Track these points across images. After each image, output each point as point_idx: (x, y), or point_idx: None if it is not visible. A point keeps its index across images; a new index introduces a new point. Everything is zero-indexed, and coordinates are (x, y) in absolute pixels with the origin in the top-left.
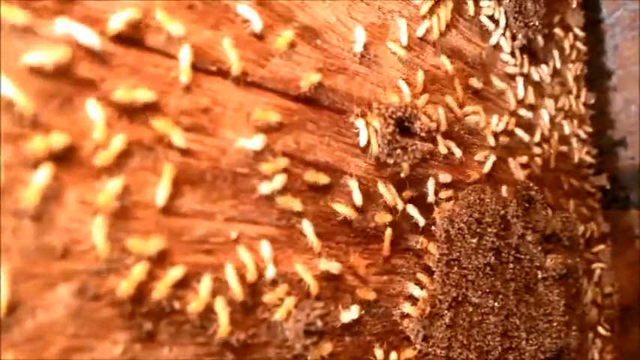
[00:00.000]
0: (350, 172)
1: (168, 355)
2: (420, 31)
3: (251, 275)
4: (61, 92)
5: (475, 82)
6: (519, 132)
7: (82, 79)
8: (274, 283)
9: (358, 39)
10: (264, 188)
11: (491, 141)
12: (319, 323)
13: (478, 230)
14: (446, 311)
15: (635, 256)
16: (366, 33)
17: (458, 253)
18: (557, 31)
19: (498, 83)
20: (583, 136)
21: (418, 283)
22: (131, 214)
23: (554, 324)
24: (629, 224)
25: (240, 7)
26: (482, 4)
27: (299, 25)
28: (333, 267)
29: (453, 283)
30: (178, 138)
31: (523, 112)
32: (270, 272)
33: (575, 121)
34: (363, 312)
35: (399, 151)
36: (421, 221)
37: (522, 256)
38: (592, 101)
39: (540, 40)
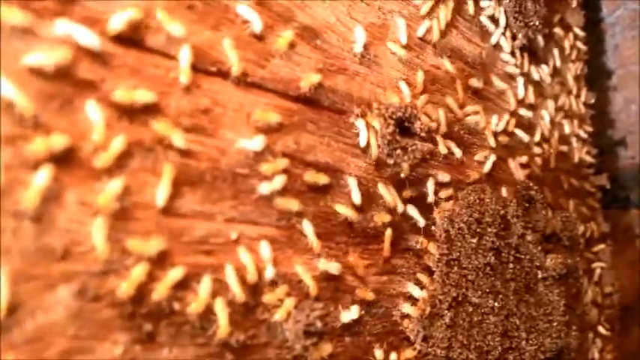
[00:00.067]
0: (350, 173)
1: (168, 355)
2: (420, 31)
3: (251, 276)
4: (61, 93)
5: (475, 82)
6: (519, 132)
7: (82, 80)
8: (274, 283)
9: (358, 39)
10: (264, 189)
11: (491, 141)
12: (319, 324)
13: (478, 230)
14: (446, 311)
15: (636, 256)
16: (366, 33)
17: (458, 253)
18: (558, 30)
19: (498, 83)
20: (583, 135)
21: (418, 283)
22: (131, 215)
23: (555, 324)
24: (629, 224)
25: (239, 8)
26: (482, 4)
27: (299, 25)
28: (333, 267)
29: (453, 283)
30: (178, 139)
31: (523, 112)
32: (270, 273)
33: (576, 121)
34: (362, 312)
35: (399, 151)
36: (421, 221)
37: (522, 256)
38: (592, 101)
39: (540, 39)
